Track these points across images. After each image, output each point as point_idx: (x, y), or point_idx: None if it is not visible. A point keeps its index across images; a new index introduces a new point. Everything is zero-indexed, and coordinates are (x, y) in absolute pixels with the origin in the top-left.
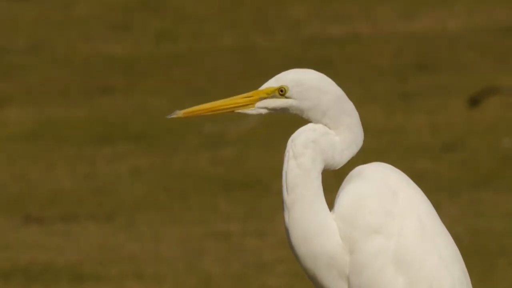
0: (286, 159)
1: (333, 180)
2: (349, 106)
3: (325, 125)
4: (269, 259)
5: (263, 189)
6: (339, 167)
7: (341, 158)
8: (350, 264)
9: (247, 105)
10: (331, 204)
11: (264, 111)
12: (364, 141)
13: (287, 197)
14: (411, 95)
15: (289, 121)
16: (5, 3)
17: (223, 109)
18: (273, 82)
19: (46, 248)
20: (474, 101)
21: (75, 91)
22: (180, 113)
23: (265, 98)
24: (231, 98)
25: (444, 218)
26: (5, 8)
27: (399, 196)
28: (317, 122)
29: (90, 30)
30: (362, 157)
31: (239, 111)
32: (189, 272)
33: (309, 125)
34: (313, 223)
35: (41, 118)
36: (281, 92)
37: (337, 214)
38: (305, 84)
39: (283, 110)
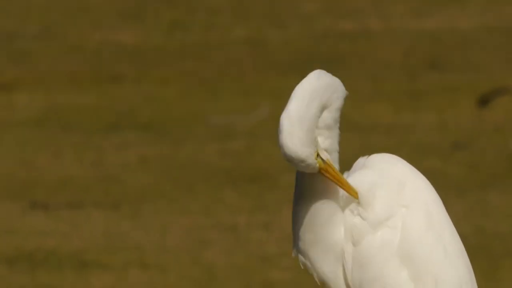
0: None
1: None
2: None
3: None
4: (274, 252)
5: (271, 182)
6: None
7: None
8: (353, 256)
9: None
10: None
11: (325, 154)
12: (373, 138)
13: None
14: (421, 93)
15: None
16: None
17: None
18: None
19: (51, 235)
20: (484, 101)
21: (84, 78)
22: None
23: (319, 156)
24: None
25: (451, 217)
26: None
27: (406, 187)
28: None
29: (102, 18)
30: (370, 154)
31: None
32: (193, 263)
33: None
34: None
35: (50, 105)
36: (318, 156)
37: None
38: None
39: (329, 130)
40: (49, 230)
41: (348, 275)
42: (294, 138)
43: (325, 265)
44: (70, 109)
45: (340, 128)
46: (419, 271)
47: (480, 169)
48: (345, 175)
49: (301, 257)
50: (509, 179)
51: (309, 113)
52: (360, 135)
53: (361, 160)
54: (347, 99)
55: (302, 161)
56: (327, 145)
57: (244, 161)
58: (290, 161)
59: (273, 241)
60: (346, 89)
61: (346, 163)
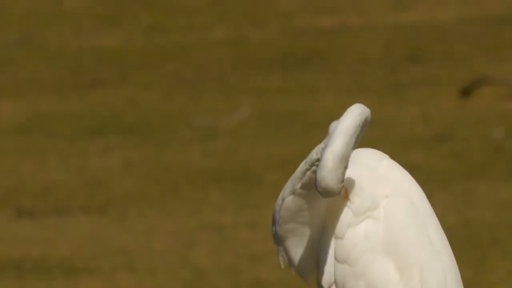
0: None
1: None
2: None
3: None
4: (261, 251)
5: (255, 181)
6: None
7: None
8: (336, 251)
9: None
10: None
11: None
12: None
13: None
14: (402, 86)
15: (280, 113)
16: None
17: None
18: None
19: (39, 242)
20: (466, 92)
21: (66, 85)
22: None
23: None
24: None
25: (436, 209)
26: None
27: (390, 179)
28: None
29: (81, 24)
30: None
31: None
32: (181, 264)
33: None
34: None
35: (32, 112)
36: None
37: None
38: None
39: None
40: (36, 237)
41: (327, 272)
42: (335, 177)
43: (300, 259)
44: (53, 116)
45: (323, 124)
46: (404, 261)
47: (464, 160)
48: None
49: (279, 248)
50: (493, 169)
51: (350, 150)
52: None
53: None
54: (329, 95)
55: (336, 194)
56: None
57: (228, 160)
58: (323, 193)
59: (260, 240)
60: (328, 85)
61: None
